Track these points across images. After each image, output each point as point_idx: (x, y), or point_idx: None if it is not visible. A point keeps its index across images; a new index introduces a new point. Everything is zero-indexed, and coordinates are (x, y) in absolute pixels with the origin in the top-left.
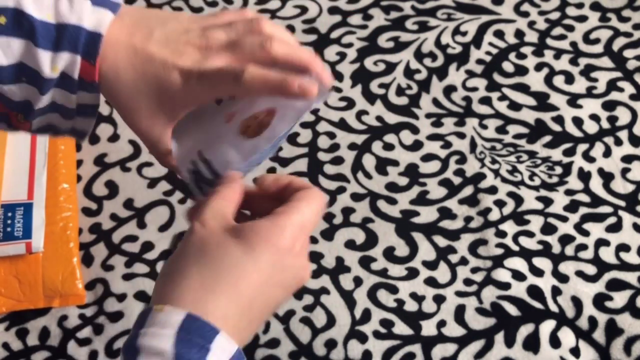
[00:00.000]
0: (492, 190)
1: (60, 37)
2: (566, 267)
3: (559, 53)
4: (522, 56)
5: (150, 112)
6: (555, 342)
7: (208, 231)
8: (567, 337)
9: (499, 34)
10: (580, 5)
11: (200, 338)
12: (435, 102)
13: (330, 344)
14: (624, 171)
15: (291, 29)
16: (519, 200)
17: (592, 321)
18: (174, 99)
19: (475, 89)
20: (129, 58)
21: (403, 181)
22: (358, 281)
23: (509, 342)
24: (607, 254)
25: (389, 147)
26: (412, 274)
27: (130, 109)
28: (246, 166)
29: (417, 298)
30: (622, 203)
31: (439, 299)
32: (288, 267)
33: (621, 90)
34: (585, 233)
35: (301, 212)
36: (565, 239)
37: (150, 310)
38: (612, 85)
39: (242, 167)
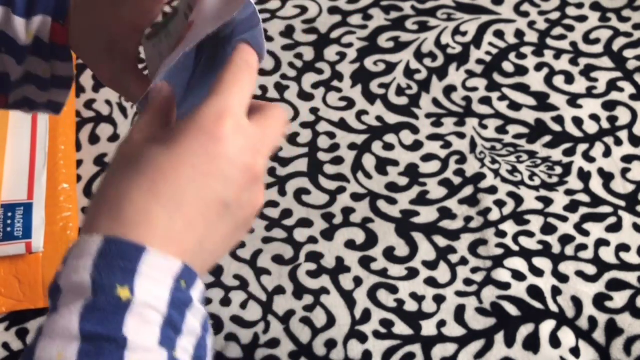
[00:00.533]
0: (492, 190)
1: (34, 2)
2: (566, 267)
3: (559, 53)
4: (522, 56)
5: (107, 61)
6: (555, 342)
7: (130, 145)
8: (567, 337)
9: (499, 34)
10: (580, 5)
11: (122, 260)
12: (435, 102)
13: (330, 344)
14: (624, 171)
15: (291, 29)
16: (519, 200)
17: (592, 321)
18: (117, 39)
19: (475, 89)
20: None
21: (403, 181)
22: (358, 281)
23: (509, 342)
24: (607, 254)
25: (389, 147)
26: (412, 274)
27: (92, 64)
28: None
29: (417, 298)
30: (622, 203)
31: (439, 299)
32: (221, 155)
33: (621, 90)
34: (585, 233)
35: (242, 92)
36: (565, 239)
37: (70, 246)
38: (612, 85)
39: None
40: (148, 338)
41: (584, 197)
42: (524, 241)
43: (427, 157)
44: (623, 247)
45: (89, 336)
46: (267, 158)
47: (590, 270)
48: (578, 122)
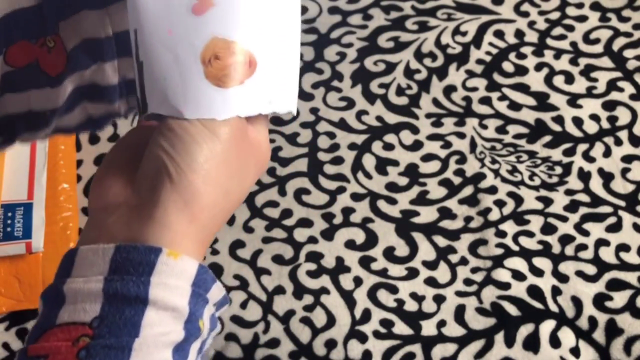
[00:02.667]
0: (492, 190)
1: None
2: (566, 267)
3: (559, 53)
4: (522, 56)
5: None
6: (555, 342)
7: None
8: (567, 337)
9: (499, 34)
10: (580, 5)
11: (205, 290)
12: (435, 102)
13: (330, 344)
14: (624, 171)
15: None
16: (519, 200)
17: (592, 321)
18: None
19: (475, 89)
20: None
21: (403, 181)
22: (358, 281)
23: (509, 342)
24: (607, 254)
25: (389, 147)
26: (412, 274)
27: None
28: None
29: (417, 298)
30: (622, 203)
31: (439, 299)
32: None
33: (621, 90)
34: (585, 233)
35: None
36: (565, 239)
37: (159, 253)
38: (612, 85)
39: None
40: (178, 298)
41: (584, 197)
42: (524, 241)
43: (427, 157)
44: (623, 247)
45: (113, 295)
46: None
47: (590, 270)
48: (578, 122)
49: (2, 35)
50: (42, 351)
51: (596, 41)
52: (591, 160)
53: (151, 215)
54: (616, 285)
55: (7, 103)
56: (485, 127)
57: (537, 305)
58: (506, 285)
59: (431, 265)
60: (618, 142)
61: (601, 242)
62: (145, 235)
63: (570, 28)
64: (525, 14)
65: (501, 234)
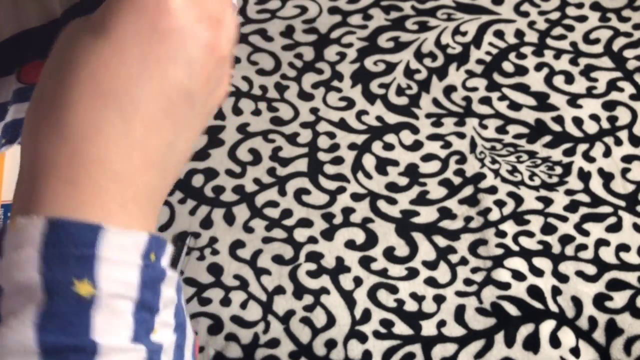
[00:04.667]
0: (492, 190)
1: None
2: (566, 267)
3: (559, 53)
4: (522, 56)
5: None
6: (555, 342)
7: (61, 43)
8: (567, 337)
9: (499, 34)
10: (580, 5)
11: (76, 246)
12: (435, 102)
13: (330, 344)
14: (624, 171)
15: (291, 29)
16: (519, 200)
17: (592, 321)
18: None
19: (475, 89)
20: None
21: (403, 181)
22: (358, 281)
23: (509, 342)
24: (607, 254)
25: (389, 147)
26: (412, 274)
27: None
28: None
29: (417, 298)
30: (622, 203)
31: (439, 299)
32: (174, 31)
33: (621, 90)
34: (585, 233)
35: None
36: (565, 239)
37: (3, 231)
38: (612, 85)
39: None
40: (121, 334)
41: (584, 197)
42: (524, 241)
43: (427, 157)
44: (623, 247)
45: (52, 349)
46: (230, 30)
47: (590, 270)
48: (578, 122)
49: (14, 55)
50: None
51: (596, 41)
52: (591, 160)
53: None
54: (616, 285)
55: (14, 111)
56: (485, 127)
57: (537, 305)
58: (506, 285)
59: (431, 265)
60: (618, 142)
61: (601, 242)
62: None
63: (570, 28)
64: (525, 14)
65: (501, 234)
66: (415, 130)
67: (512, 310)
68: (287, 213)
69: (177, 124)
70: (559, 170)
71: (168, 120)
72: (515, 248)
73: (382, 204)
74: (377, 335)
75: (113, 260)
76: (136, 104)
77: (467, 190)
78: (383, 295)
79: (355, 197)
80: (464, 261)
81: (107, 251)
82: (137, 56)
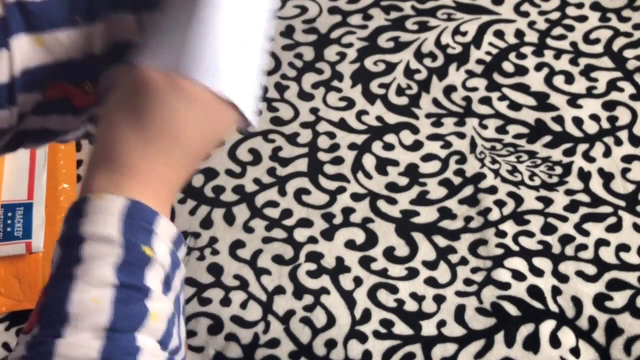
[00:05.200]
0: (492, 190)
1: None
2: (566, 267)
3: (559, 53)
4: (522, 56)
5: None
6: (555, 342)
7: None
8: (567, 337)
9: (499, 34)
10: (580, 5)
11: (144, 221)
12: (435, 102)
13: (330, 344)
14: (624, 171)
15: (291, 29)
16: (519, 200)
17: (592, 321)
18: None
19: (475, 89)
20: None
21: (403, 181)
22: (358, 281)
23: (509, 342)
24: (607, 254)
25: (389, 147)
26: (412, 274)
27: None
28: None
29: (417, 298)
30: (622, 203)
31: (439, 299)
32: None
33: (621, 90)
34: (585, 233)
35: None
36: (565, 239)
37: (86, 200)
38: (612, 85)
39: None
40: (158, 287)
41: (584, 197)
42: (524, 241)
43: (427, 157)
44: (623, 247)
45: (122, 285)
46: None
47: (590, 270)
48: (578, 122)
49: (49, 77)
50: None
51: (596, 41)
52: (591, 160)
53: (84, 186)
54: (616, 285)
55: (27, 121)
56: (485, 127)
57: (537, 305)
58: (506, 285)
59: (431, 265)
60: (618, 142)
61: (601, 242)
62: (83, 191)
63: (570, 28)
64: (525, 14)
65: (501, 234)
66: (415, 130)
67: (512, 310)
68: (287, 213)
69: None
70: (559, 170)
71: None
72: (515, 248)
73: (382, 204)
74: (377, 335)
75: (161, 239)
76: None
77: (467, 190)
78: (383, 295)
79: (355, 197)
80: (464, 261)
81: (160, 231)
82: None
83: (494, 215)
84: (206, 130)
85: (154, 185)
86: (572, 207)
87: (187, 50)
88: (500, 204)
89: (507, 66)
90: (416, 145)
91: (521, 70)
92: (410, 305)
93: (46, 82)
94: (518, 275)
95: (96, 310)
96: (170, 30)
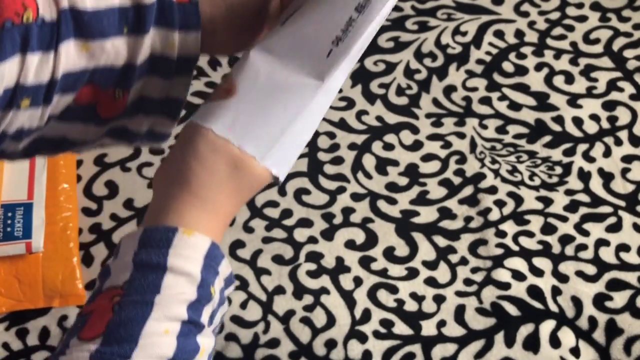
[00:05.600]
0: (492, 190)
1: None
2: (566, 267)
3: (559, 53)
4: (522, 56)
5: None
6: (555, 342)
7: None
8: (567, 337)
9: (499, 34)
10: (580, 5)
11: (216, 263)
12: (435, 102)
13: (330, 344)
14: (624, 171)
15: None
16: (519, 200)
17: (592, 321)
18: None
19: (475, 89)
20: None
21: (403, 181)
22: (358, 281)
23: (509, 342)
24: (607, 254)
25: (389, 147)
26: (412, 274)
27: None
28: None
29: (417, 298)
30: (622, 203)
31: (439, 299)
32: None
33: (621, 90)
34: (585, 233)
35: None
36: (565, 239)
37: (175, 232)
38: (612, 85)
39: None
40: (207, 324)
41: (584, 197)
42: (524, 241)
43: (427, 157)
44: (623, 247)
45: (189, 320)
46: None
47: (590, 270)
48: (578, 122)
49: (84, 80)
50: (89, 309)
51: (596, 41)
52: (591, 160)
53: (167, 209)
54: (616, 285)
55: (50, 127)
56: (485, 127)
57: (537, 305)
58: (506, 285)
59: (431, 265)
60: (618, 142)
61: (601, 242)
62: (167, 221)
63: (570, 28)
64: (525, 14)
65: (501, 234)
66: (415, 130)
67: (512, 310)
68: (287, 213)
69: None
70: (559, 170)
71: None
72: (515, 248)
73: (382, 204)
74: (377, 335)
75: (220, 278)
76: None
77: (467, 190)
78: (383, 295)
79: (355, 197)
80: (464, 261)
81: (221, 270)
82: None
83: (494, 215)
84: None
85: (225, 227)
86: (572, 207)
87: (276, 148)
88: (500, 204)
89: (507, 66)
90: (416, 145)
91: (521, 70)
92: (410, 305)
93: (81, 86)
94: (518, 275)
95: (165, 341)
96: (259, 115)
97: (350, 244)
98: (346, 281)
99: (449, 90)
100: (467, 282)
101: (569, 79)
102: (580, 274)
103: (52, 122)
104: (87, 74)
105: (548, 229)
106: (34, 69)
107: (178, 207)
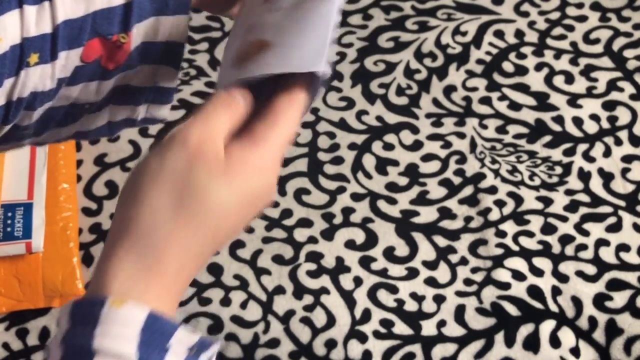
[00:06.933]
0: (492, 190)
1: None
2: (566, 267)
3: (559, 53)
4: (522, 56)
5: None
6: (555, 342)
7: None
8: (567, 337)
9: (499, 34)
10: (580, 5)
11: (161, 337)
12: (435, 102)
13: (330, 344)
14: (624, 171)
15: None
16: (519, 200)
17: (592, 321)
18: None
19: (475, 89)
20: None
21: (403, 181)
22: (358, 281)
23: (509, 342)
24: (607, 254)
25: (389, 147)
26: (412, 274)
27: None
28: None
29: (417, 298)
30: (622, 203)
31: (439, 299)
32: (263, 197)
33: (621, 90)
34: (585, 233)
35: (282, 135)
36: (565, 239)
37: (102, 304)
38: (612, 85)
39: None
40: None
41: (584, 197)
42: (524, 241)
43: (427, 157)
44: (623, 247)
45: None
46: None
47: (590, 270)
48: (578, 122)
49: (87, 30)
50: None
51: (596, 41)
52: (591, 160)
53: (104, 269)
54: (616, 285)
55: (59, 99)
56: (485, 127)
57: (537, 305)
58: (506, 285)
59: (431, 265)
60: (618, 142)
61: (601, 242)
62: (99, 285)
63: (570, 28)
64: (525, 14)
65: (501, 234)
66: (415, 130)
67: (512, 310)
68: (287, 213)
69: (214, 250)
70: (559, 170)
71: (200, 258)
72: (515, 248)
73: (382, 204)
74: (377, 335)
75: (174, 351)
76: (212, 238)
77: (467, 190)
78: (383, 295)
79: (355, 197)
80: (464, 261)
81: (175, 342)
82: (241, 215)
83: (494, 215)
84: (249, 219)
85: (179, 285)
86: (572, 207)
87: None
88: (500, 204)
89: (507, 66)
90: (416, 145)
91: (521, 70)
92: (410, 305)
93: (86, 38)
94: (518, 275)
95: None
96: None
97: (350, 244)
98: (346, 281)
99: (449, 90)
100: (467, 282)
101: (569, 79)
102: (580, 274)
103: (63, 89)
104: (88, 22)
105: (548, 229)
106: (34, 20)
107: (113, 264)
